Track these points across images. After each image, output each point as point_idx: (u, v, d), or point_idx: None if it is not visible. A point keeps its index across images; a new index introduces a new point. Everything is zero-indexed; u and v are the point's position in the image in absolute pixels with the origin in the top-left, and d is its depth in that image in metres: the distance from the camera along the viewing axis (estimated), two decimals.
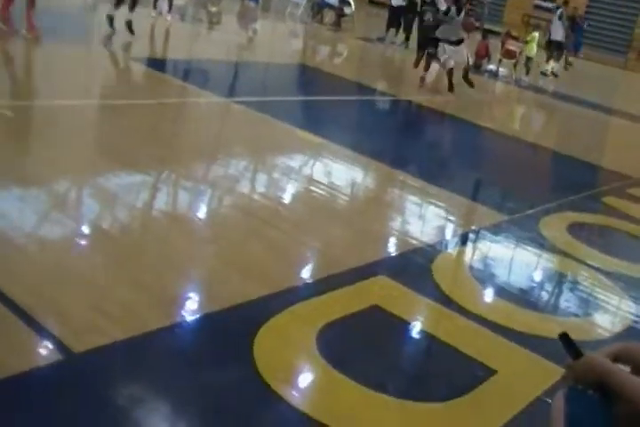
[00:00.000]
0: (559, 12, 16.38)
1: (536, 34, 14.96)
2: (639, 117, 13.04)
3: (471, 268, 4.46)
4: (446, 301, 3.82)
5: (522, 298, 4.20)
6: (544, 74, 15.81)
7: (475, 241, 5.04)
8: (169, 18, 12.28)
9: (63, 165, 4.68)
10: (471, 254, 4.77)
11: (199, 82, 8.10)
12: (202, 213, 4.61)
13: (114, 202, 4.37)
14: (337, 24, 17.03)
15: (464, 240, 5.02)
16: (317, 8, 17.67)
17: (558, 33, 16.00)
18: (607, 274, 4.71)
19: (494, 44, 14.84)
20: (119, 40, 8.86)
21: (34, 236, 3.69)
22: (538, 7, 25.96)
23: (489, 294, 4.21)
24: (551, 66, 15.85)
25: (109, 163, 4.95)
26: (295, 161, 6.13)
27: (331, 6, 16.70)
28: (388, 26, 16.18)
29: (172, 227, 4.15)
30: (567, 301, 4.38)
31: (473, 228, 5.29)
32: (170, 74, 8.41)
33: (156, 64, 8.73)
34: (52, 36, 8.77)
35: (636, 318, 4.13)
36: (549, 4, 25.90)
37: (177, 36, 12.01)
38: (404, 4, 15.83)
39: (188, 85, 7.89)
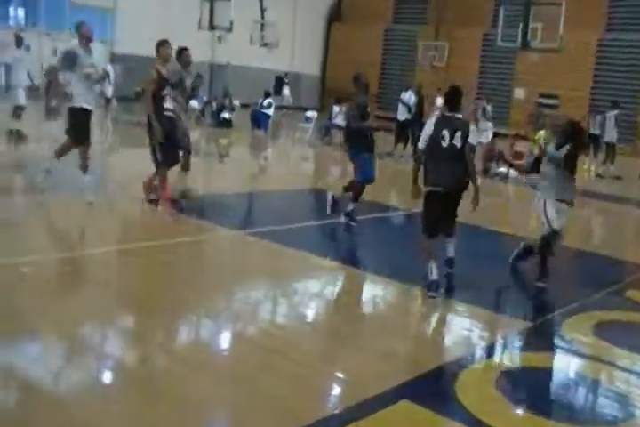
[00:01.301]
0: (614, 113, 17.07)
1: (542, 132, 15.30)
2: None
3: (496, 383, 4.39)
4: (474, 422, 3.75)
5: (554, 411, 4.11)
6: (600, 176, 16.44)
7: (497, 354, 4.99)
8: None
9: (81, 315, 4.80)
10: (495, 369, 4.70)
11: (213, 217, 8.35)
12: (223, 350, 4.65)
13: (130, 349, 4.45)
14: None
15: (486, 354, 4.96)
16: (325, 130, 18.42)
17: (611, 134, 16.77)
18: (638, 374, 4.61)
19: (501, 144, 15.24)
20: (129, 182, 9.26)
21: (48, 386, 3.74)
22: (541, 105, 26.81)
23: (518, 411, 4.11)
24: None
25: (126, 308, 5.07)
26: (310, 288, 6.21)
27: (338, 127, 17.41)
28: (396, 140, 16.76)
29: (192, 367, 4.18)
30: (601, 408, 4.26)
31: (495, 339, 5.25)
32: (183, 212, 8.69)
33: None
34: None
35: None
36: (553, 101, 26.79)
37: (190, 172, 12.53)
38: (409, 117, 16.48)
39: (201, 222, 8.14)
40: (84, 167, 8.06)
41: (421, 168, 6.26)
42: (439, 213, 6.13)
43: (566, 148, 6.52)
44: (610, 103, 18.74)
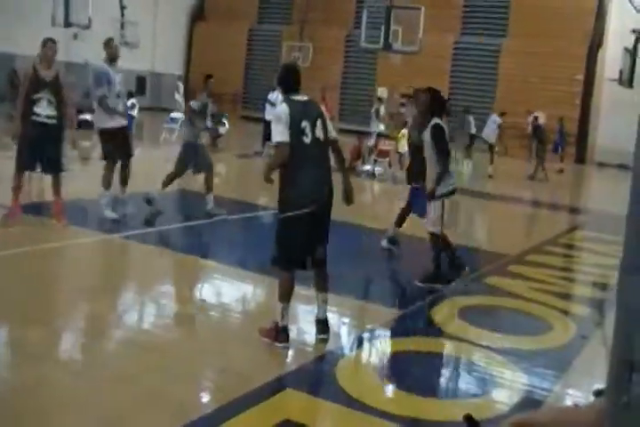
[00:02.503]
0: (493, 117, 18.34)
1: (405, 130, 15.96)
2: (510, 198, 14.08)
3: (373, 366, 4.66)
4: (353, 402, 3.96)
5: (424, 388, 4.39)
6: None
7: (372, 340, 5.25)
8: None
9: None
10: (370, 354, 4.97)
11: (81, 222, 8.12)
12: (102, 353, 4.59)
13: (6, 360, 4.32)
14: (214, 144, 17.62)
15: (361, 341, 5.22)
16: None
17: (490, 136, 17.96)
18: (498, 351, 5.01)
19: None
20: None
21: None
22: (403, 105, 27.85)
23: (392, 390, 4.37)
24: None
25: None
26: (184, 287, 6.25)
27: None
28: (264, 139, 16.92)
29: (72, 373, 4.12)
30: (466, 383, 4.61)
31: (369, 327, 5.50)
32: (45, 217, 8.40)
33: (30, 209, 8.68)
34: None
35: (529, 388, 4.41)
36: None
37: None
38: None
39: (68, 227, 7.90)
40: None
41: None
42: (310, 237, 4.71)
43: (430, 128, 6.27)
44: (462, 108, 20.02)
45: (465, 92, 27.22)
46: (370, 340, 5.26)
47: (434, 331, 5.43)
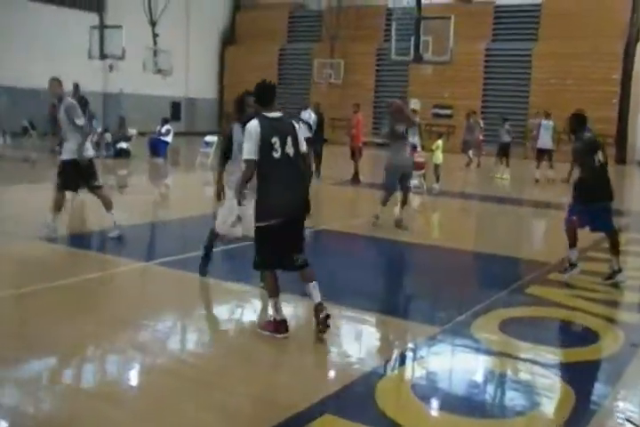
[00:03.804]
0: (544, 123, 17.69)
1: (440, 142, 15.81)
2: (543, 203, 13.83)
3: (413, 387, 4.52)
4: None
5: (467, 407, 4.25)
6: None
7: (411, 359, 5.13)
8: None
9: None
10: (410, 374, 4.85)
11: (117, 251, 8.23)
12: (142, 384, 4.58)
13: (48, 390, 4.32)
14: None
15: (401, 360, 5.10)
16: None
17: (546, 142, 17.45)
18: (543, 364, 4.85)
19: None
20: (19, 220, 9.01)
21: None
22: (436, 115, 27.74)
23: (434, 411, 4.25)
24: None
25: (35, 350, 4.92)
26: (222, 312, 6.21)
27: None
28: None
29: (113, 404, 4.11)
30: (512, 400, 4.45)
31: (409, 346, 5.39)
32: (87, 248, 8.51)
33: (70, 240, 8.84)
34: None
35: (577, 404, 4.25)
36: (447, 111, 27.73)
37: (89, 209, 12.28)
38: (310, 135, 16.69)
39: (106, 256, 8.01)
40: None
41: None
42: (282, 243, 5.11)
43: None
44: (500, 117, 19.88)
45: (499, 99, 26.98)
46: (410, 359, 5.14)
47: (475, 347, 5.28)
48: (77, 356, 4.96)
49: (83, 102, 15.24)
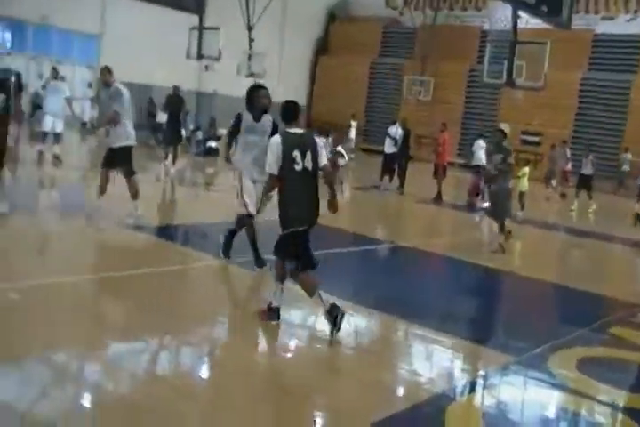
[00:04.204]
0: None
1: (526, 169, 15.51)
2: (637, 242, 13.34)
3: (484, 415, 4.44)
4: None
5: None
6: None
7: (485, 386, 5.03)
8: (172, 170, 14.53)
9: (66, 340, 4.80)
10: (482, 401, 4.75)
11: (200, 246, 8.43)
12: (208, 380, 4.65)
13: (121, 376, 4.44)
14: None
15: (473, 386, 5.01)
16: None
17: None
18: (621, 410, 4.68)
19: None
20: (111, 208, 9.29)
21: (33, 413, 3.73)
22: (525, 142, 27.24)
23: None
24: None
25: (110, 335, 5.06)
26: (295, 317, 6.25)
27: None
28: (382, 173, 16.94)
29: (184, 396, 4.18)
30: None
31: (482, 372, 5.30)
32: (170, 240, 8.74)
33: (156, 231, 9.08)
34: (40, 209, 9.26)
35: None
36: (535, 138, 27.22)
37: (176, 201, 12.62)
38: (395, 150, 16.69)
39: (189, 250, 8.21)
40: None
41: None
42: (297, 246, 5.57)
43: None
44: (586, 147, 19.43)
45: (591, 130, 26.31)
46: (482, 386, 5.04)
47: (550, 381, 5.14)
48: (154, 344, 5.09)
49: (178, 100, 15.79)
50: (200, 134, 20.18)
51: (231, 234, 7.39)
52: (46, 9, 23.09)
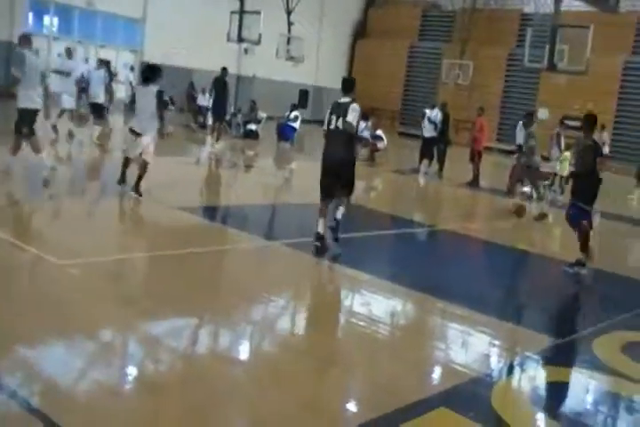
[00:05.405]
0: None
1: (567, 153, 15.35)
2: None
3: (528, 394, 4.54)
4: None
5: (581, 423, 4.23)
6: None
7: (530, 367, 5.11)
8: (217, 146, 15.35)
9: (116, 314, 5.01)
10: (529, 381, 4.84)
11: (246, 227, 8.65)
12: (257, 354, 4.81)
13: (160, 348, 4.63)
14: (371, 159, 17.84)
15: (519, 367, 5.10)
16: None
17: None
18: None
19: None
20: (158, 189, 9.53)
21: (82, 384, 3.91)
22: (567, 127, 26.86)
23: (546, 421, 4.25)
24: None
25: (160, 310, 5.26)
26: (340, 298, 6.40)
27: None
28: (421, 157, 16.93)
29: (228, 370, 4.35)
30: (625, 423, 4.39)
31: (527, 354, 5.36)
32: (216, 221, 8.96)
33: (201, 212, 9.33)
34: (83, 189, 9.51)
35: None
36: (577, 123, 26.83)
37: (218, 183, 12.82)
38: (435, 134, 16.66)
39: (235, 231, 8.39)
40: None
41: None
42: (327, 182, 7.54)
43: None
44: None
45: (634, 115, 25.89)
46: (528, 366, 5.12)
47: (594, 364, 5.20)
48: (203, 319, 5.27)
49: (224, 82, 16.35)
50: (240, 117, 20.37)
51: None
52: None
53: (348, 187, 7.57)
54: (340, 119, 7.16)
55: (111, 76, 15.48)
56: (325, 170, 7.49)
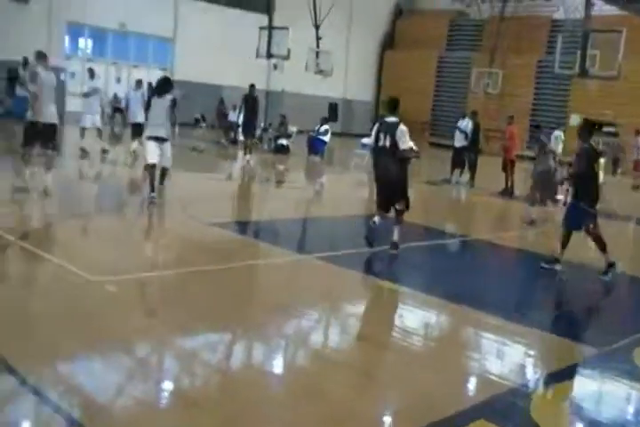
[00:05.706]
0: None
1: (602, 160, 15.12)
2: None
3: (570, 406, 4.48)
4: None
5: None
6: None
7: (570, 378, 5.04)
8: (249, 162, 15.80)
9: (151, 329, 5.06)
10: (569, 392, 4.78)
11: (278, 241, 8.71)
12: (287, 367, 4.82)
13: (198, 363, 4.66)
14: None
15: (559, 377, 5.03)
16: None
17: None
18: None
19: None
20: (191, 205, 9.63)
21: (120, 398, 3.95)
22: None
23: None
24: None
25: (195, 325, 5.30)
26: (375, 310, 6.39)
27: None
28: (453, 166, 16.87)
29: (255, 386, 4.37)
30: None
31: (566, 364, 5.30)
32: (248, 236, 9.01)
33: (234, 227, 9.40)
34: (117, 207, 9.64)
35: None
36: (611, 129, 26.52)
37: (249, 197, 12.92)
38: (466, 144, 16.60)
39: (268, 246, 8.43)
40: None
41: None
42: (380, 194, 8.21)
43: None
44: None
45: None
46: (568, 377, 5.05)
47: (634, 374, 5.10)
48: (238, 333, 5.30)
49: (254, 98, 16.54)
50: (271, 132, 20.55)
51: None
52: (124, 16, 23.89)
53: (404, 201, 8.14)
54: (389, 138, 7.76)
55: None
56: (380, 188, 8.13)
